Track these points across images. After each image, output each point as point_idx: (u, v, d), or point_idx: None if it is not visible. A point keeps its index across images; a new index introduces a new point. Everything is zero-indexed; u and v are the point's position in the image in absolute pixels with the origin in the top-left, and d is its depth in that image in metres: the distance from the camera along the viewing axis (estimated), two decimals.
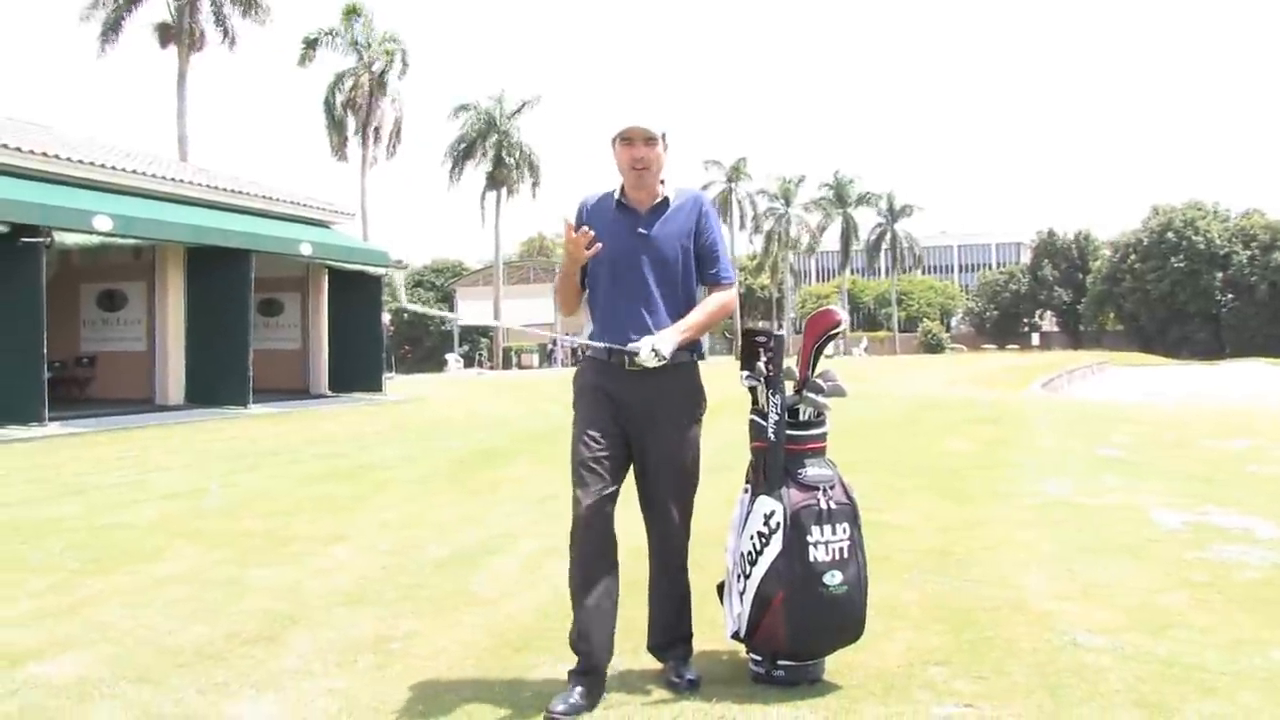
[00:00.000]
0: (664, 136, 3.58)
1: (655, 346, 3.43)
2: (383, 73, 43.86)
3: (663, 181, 3.66)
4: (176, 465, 9.93)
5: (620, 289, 3.60)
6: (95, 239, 14.74)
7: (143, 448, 11.42)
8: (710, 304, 3.69)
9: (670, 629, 3.72)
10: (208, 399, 16.86)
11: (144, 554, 5.93)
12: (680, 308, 3.62)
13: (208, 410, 16.20)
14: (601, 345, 3.57)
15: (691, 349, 3.64)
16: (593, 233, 3.49)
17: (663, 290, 3.60)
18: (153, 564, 5.69)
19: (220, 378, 17.01)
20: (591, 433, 3.53)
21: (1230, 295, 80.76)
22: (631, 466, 3.63)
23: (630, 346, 3.48)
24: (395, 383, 25.93)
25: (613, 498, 3.53)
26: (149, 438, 12.67)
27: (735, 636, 3.72)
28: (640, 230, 3.61)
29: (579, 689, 3.41)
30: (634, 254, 3.59)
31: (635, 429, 3.57)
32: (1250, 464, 8.97)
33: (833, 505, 3.56)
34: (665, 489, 3.62)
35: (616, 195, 3.67)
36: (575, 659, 3.50)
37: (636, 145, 3.55)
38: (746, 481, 3.77)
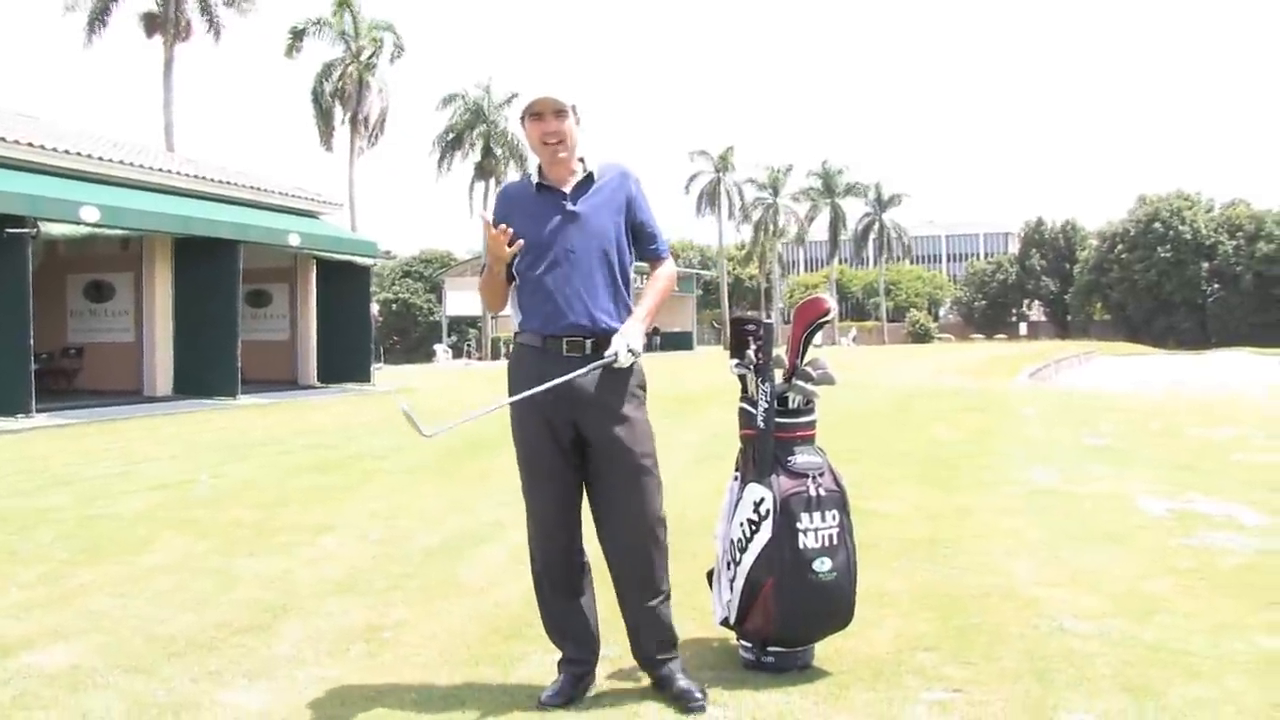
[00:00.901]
0: (574, 109, 3.39)
1: (630, 347, 3.28)
2: (371, 58, 43.60)
3: (582, 159, 3.46)
4: (165, 456, 9.91)
5: (555, 274, 3.36)
6: (82, 230, 14.72)
7: (130, 439, 11.41)
8: (659, 282, 3.54)
9: (649, 646, 3.44)
10: (196, 390, 16.84)
11: (133, 544, 5.92)
12: (619, 286, 3.42)
13: (196, 401, 16.18)
14: (583, 371, 3.28)
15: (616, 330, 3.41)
16: (511, 230, 3.29)
17: (600, 270, 3.39)
18: (142, 554, 5.69)
19: (208, 369, 17.00)
20: (536, 436, 3.39)
21: (1216, 285, 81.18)
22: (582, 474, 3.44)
23: (606, 355, 3.28)
24: (384, 373, 25.91)
25: (574, 506, 3.44)
26: (137, 429, 12.65)
27: (724, 623, 3.74)
28: (568, 208, 3.40)
29: (567, 677, 3.40)
30: (563, 235, 3.37)
31: (585, 419, 3.34)
32: (1234, 452, 9.02)
33: (822, 492, 3.58)
34: (633, 482, 3.36)
35: (535, 178, 3.48)
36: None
37: (546, 119, 3.36)
38: (736, 469, 3.79)
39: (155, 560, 5.54)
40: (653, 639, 3.43)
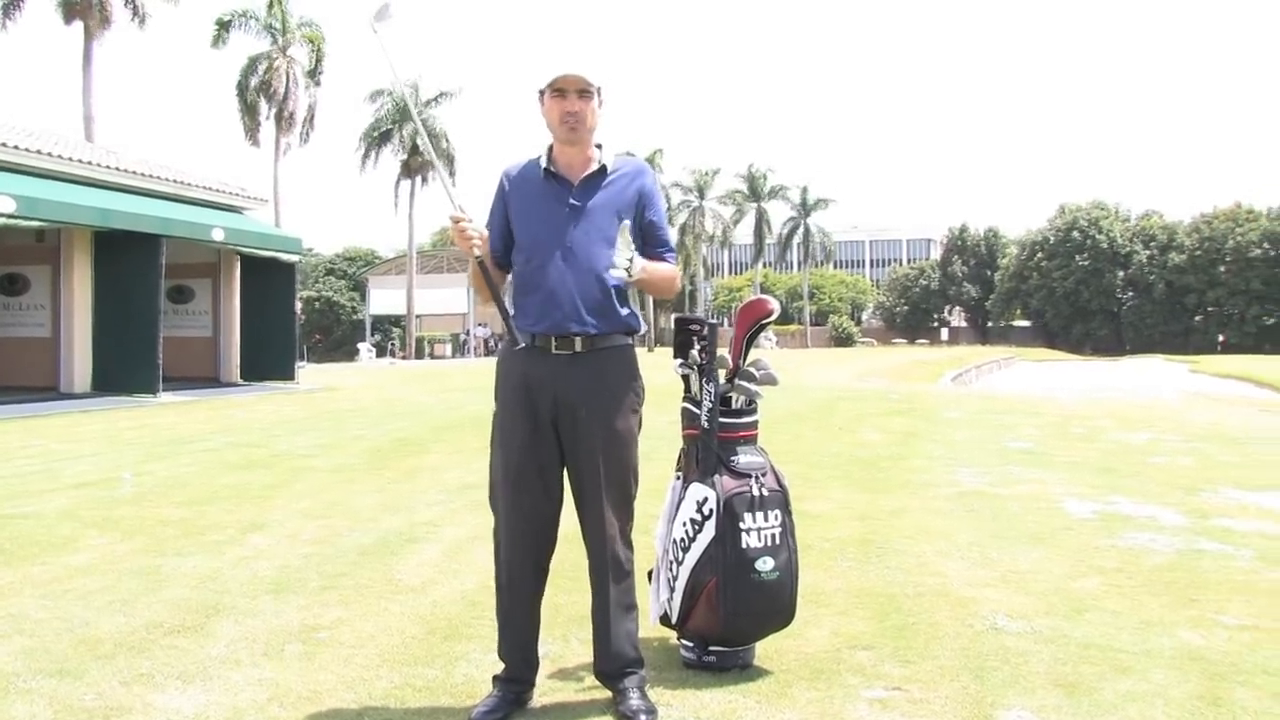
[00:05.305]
0: (599, 91, 3.23)
1: (632, 260, 3.16)
2: (288, 49, 42.95)
3: (599, 146, 3.31)
4: (85, 454, 9.67)
5: (550, 270, 3.20)
6: None
7: (49, 436, 11.11)
8: (664, 266, 3.36)
9: (620, 657, 3.32)
10: (115, 387, 16.48)
11: (55, 544, 5.76)
12: (621, 289, 3.27)
13: (116, 398, 15.83)
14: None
15: (628, 330, 3.32)
16: (475, 228, 3.16)
17: (599, 269, 3.21)
18: (65, 554, 5.53)
19: (128, 365, 16.63)
20: (516, 440, 3.25)
21: (1130, 293, 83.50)
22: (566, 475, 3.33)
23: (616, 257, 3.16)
24: (307, 371, 25.57)
25: (553, 520, 3.31)
26: (55, 426, 12.33)
27: (664, 621, 3.75)
28: (572, 202, 3.23)
29: (505, 695, 3.28)
30: (562, 231, 3.21)
31: (567, 422, 3.22)
32: (1152, 455, 9.27)
33: (765, 492, 3.60)
34: (606, 489, 3.25)
35: (544, 163, 3.29)
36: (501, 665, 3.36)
37: (569, 97, 3.19)
38: (678, 469, 3.80)
39: (79, 560, 5.39)
40: (614, 652, 3.30)
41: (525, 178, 3.33)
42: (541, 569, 3.35)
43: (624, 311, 3.30)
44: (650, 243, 3.35)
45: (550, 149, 3.31)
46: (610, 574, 3.30)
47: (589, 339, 3.23)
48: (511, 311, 3.30)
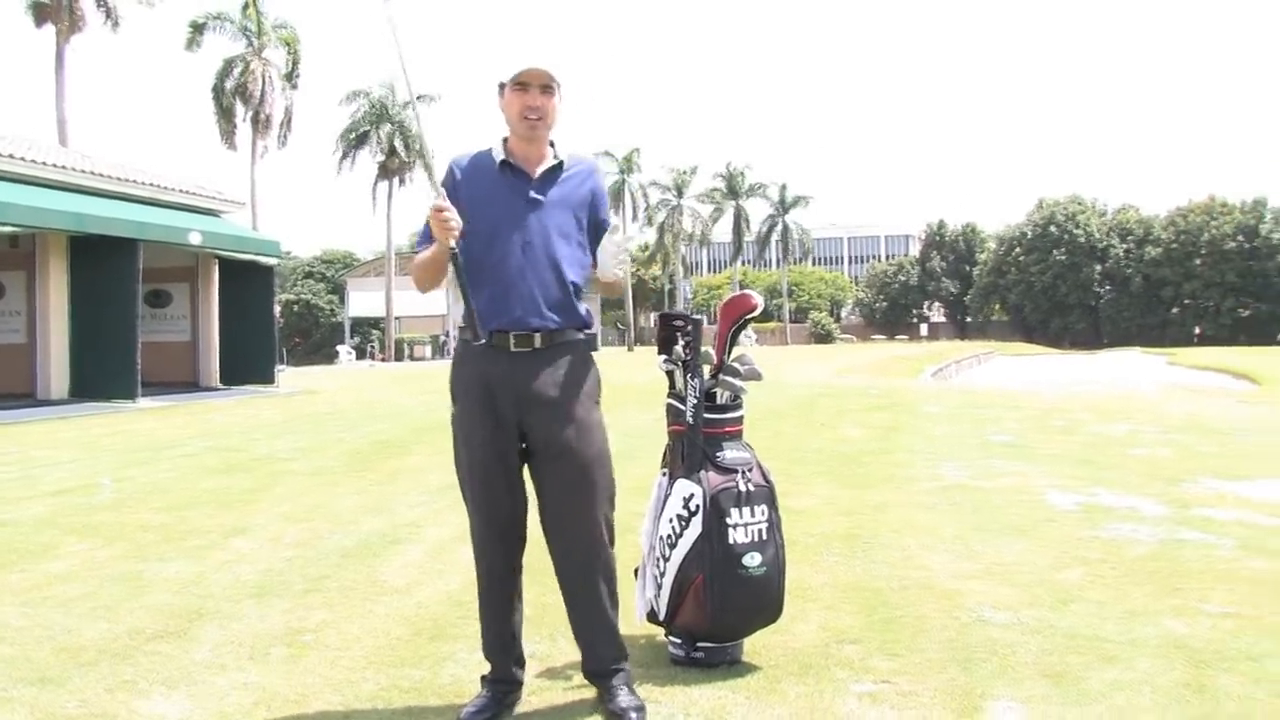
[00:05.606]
0: (560, 88, 3.19)
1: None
2: (264, 52, 42.77)
3: (552, 143, 3.25)
4: (64, 460, 9.59)
5: (509, 265, 3.13)
6: None
7: (26, 443, 11.02)
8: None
9: (607, 655, 3.28)
10: (93, 393, 16.34)
11: (35, 551, 5.71)
12: (579, 284, 3.24)
13: (94, 404, 15.69)
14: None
15: (584, 326, 3.27)
16: (457, 219, 3.03)
17: (565, 263, 3.19)
18: (45, 561, 5.48)
19: (106, 371, 16.52)
20: (480, 439, 3.18)
21: (1108, 287, 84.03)
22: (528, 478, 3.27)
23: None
24: (287, 375, 25.44)
25: (523, 519, 3.27)
26: (32, 433, 12.23)
27: (651, 619, 3.74)
28: (533, 195, 3.17)
29: (493, 695, 3.25)
30: (522, 224, 3.13)
31: (536, 420, 3.15)
32: (1131, 447, 9.32)
33: (751, 487, 3.60)
34: (591, 483, 3.20)
35: (500, 155, 3.21)
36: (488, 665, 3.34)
37: (532, 92, 3.12)
38: (663, 465, 3.79)
39: (60, 567, 5.34)
40: (601, 651, 3.28)
41: (478, 167, 3.24)
42: (518, 568, 3.32)
43: (581, 308, 3.27)
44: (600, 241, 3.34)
45: (505, 141, 3.25)
46: (597, 569, 3.25)
47: (548, 334, 3.18)
48: (465, 308, 3.16)
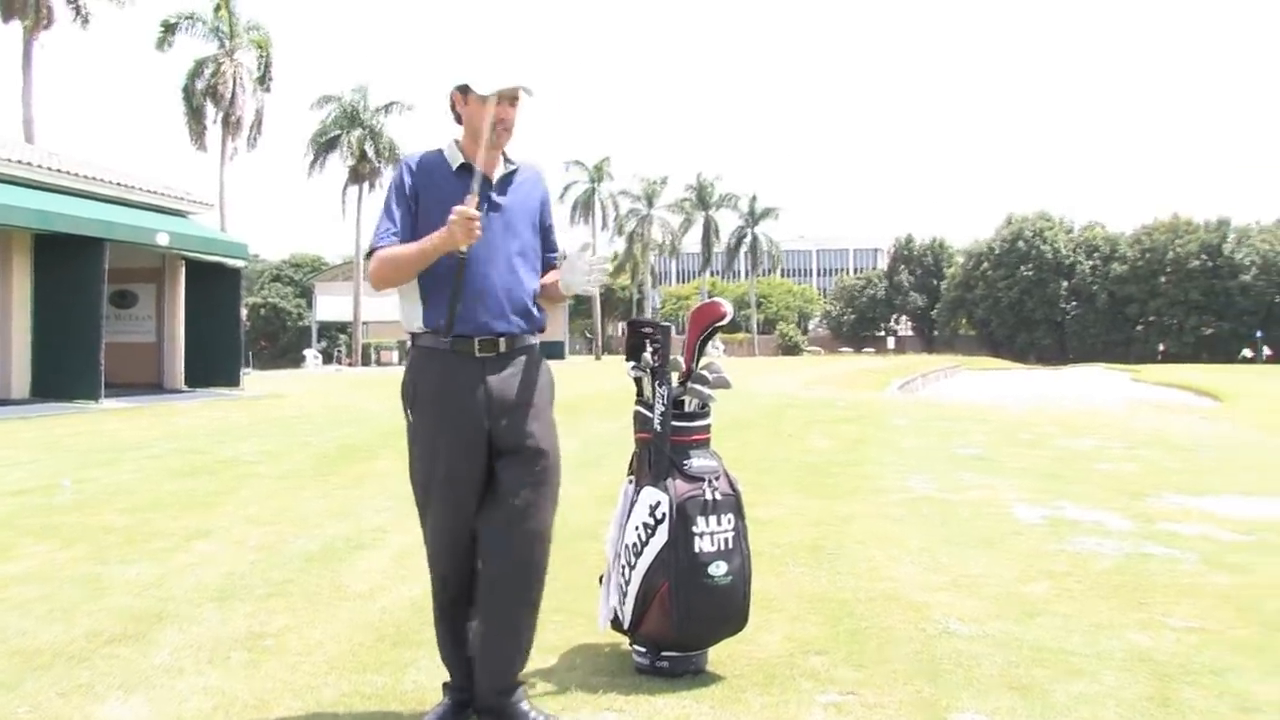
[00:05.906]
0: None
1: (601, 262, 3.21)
2: (235, 53, 42.49)
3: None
4: (24, 460, 9.45)
5: (471, 269, 3.04)
6: None
7: None
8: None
9: (503, 675, 3.15)
10: (56, 393, 16.13)
11: None
12: (536, 289, 3.26)
13: (56, 405, 15.50)
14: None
15: (540, 329, 3.27)
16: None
17: (517, 269, 3.18)
18: (2, 562, 5.39)
19: (69, 371, 16.32)
20: (449, 448, 3.13)
21: (1074, 303, 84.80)
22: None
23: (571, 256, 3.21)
24: (252, 378, 25.25)
25: (475, 530, 3.18)
26: None
27: (615, 626, 3.72)
28: (494, 198, 3.15)
29: (454, 704, 3.22)
30: (487, 226, 3.05)
31: (505, 424, 3.11)
32: (1097, 462, 9.37)
33: (718, 496, 3.58)
34: (546, 488, 3.17)
35: (458, 159, 3.17)
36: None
37: (503, 104, 3.09)
38: (630, 473, 3.77)
39: (16, 569, 5.25)
40: (505, 668, 3.15)
41: (431, 170, 3.19)
42: (475, 575, 3.22)
43: (538, 313, 3.27)
44: (547, 247, 3.37)
45: (459, 144, 3.21)
46: (531, 577, 3.16)
47: (511, 339, 3.17)
48: (424, 310, 3.15)
